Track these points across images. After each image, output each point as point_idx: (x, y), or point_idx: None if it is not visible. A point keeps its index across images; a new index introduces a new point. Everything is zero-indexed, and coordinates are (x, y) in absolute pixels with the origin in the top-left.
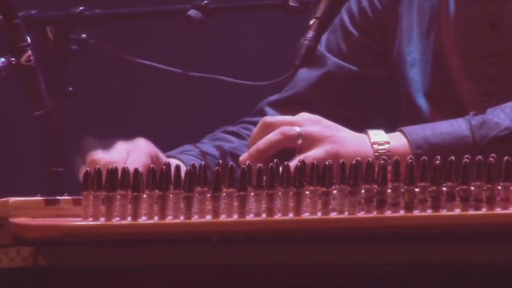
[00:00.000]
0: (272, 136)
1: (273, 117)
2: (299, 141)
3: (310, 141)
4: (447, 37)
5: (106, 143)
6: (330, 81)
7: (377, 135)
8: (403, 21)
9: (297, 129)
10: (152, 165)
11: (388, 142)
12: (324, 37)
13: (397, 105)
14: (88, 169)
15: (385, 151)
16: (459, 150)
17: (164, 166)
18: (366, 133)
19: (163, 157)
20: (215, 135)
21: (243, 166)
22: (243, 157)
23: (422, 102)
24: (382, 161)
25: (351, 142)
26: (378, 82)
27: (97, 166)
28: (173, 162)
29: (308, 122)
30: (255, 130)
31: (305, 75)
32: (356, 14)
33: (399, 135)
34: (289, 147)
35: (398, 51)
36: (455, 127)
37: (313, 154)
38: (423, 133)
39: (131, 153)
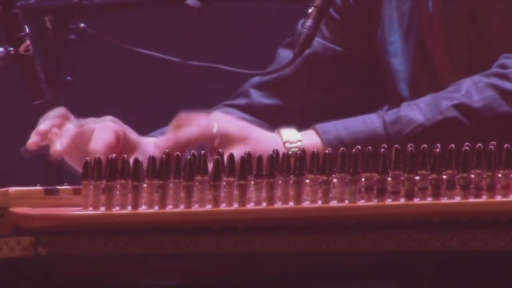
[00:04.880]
0: (191, 132)
1: (189, 113)
2: (216, 140)
3: (226, 140)
4: (429, 28)
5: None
6: (315, 62)
7: (289, 134)
8: (385, 10)
9: (214, 129)
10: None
11: (300, 141)
12: None
13: (383, 87)
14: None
15: (297, 149)
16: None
17: (164, 155)
18: (279, 132)
19: (132, 135)
20: None
21: (243, 155)
22: (160, 145)
23: (405, 92)
24: (382, 149)
25: (265, 142)
26: (363, 64)
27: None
28: (153, 141)
29: (223, 124)
30: (172, 122)
31: (290, 56)
32: (338, 1)
33: (312, 133)
34: (204, 141)
35: (381, 40)
36: (368, 124)
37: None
38: (336, 132)
39: (96, 131)
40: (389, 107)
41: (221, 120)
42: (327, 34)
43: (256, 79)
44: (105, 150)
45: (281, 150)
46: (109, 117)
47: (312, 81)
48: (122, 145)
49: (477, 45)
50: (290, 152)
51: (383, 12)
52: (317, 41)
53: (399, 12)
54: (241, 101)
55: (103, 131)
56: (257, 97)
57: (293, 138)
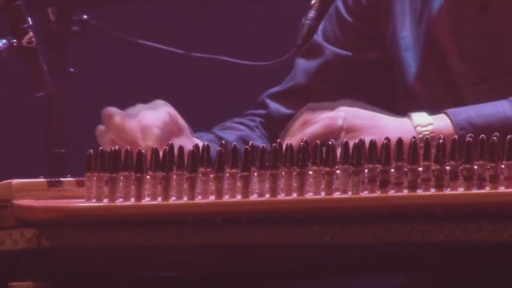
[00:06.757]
0: (316, 128)
1: (313, 114)
2: (342, 134)
3: (352, 132)
4: (440, 20)
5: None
6: (328, 70)
7: (420, 118)
8: (396, 6)
9: (340, 122)
10: (169, 121)
11: (431, 124)
12: (320, 26)
13: (395, 87)
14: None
15: (429, 132)
16: (503, 131)
17: (166, 147)
18: (409, 116)
19: (181, 121)
20: (224, 125)
21: (247, 146)
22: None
23: (416, 85)
24: (385, 141)
25: (394, 129)
26: (374, 66)
27: (111, 122)
28: (198, 142)
29: (348, 116)
30: (294, 125)
31: (304, 66)
32: (350, 1)
33: (443, 116)
34: (330, 136)
35: (392, 36)
36: (498, 108)
37: None
38: (466, 114)
39: (150, 109)
40: None
41: (346, 113)
42: (340, 37)
43: (272, 90)
44: (161, 125)
45: (412, 135)
46: (162, 101)
47: (325, 89)
48: (174, 125)
49: (487, 35)
50: (421, 136)
51: (394, 8)
52: (329, 49)
53: (411, 7)
54: (260, 111)
55: (157, 109)
56: (275, 107)
57: (424, 122)
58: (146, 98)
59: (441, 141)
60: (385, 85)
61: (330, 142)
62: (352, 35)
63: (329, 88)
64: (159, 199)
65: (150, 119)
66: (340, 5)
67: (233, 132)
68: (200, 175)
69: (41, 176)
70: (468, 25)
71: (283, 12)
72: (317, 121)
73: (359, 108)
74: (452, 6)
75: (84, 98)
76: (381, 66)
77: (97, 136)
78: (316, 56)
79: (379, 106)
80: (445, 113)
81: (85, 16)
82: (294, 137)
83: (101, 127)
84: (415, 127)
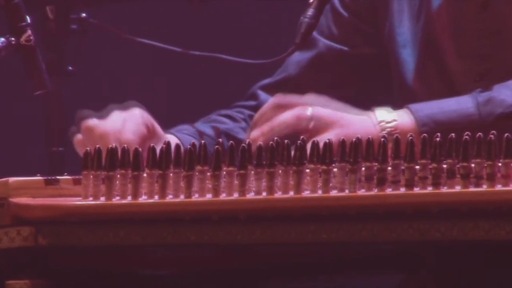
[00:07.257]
0: (286, 116)
1: (284, 99)
2: (311, 124)
3: (320, 124)
4: (439, 18)
5: (102, 115)
6: (321, 63)
7: (384, 114)
8: (394, 2)
9: (309, 112)
10: (148, 134)
11: (395, 120)
12: None
13: (390, 84)
14: (87, 148)
15: (392, 129)
16: (465, 127)
17: (164, 145)
18: (372, 113)
19: (158, 127)
20: (209, 117)
21: (244, 145)
22: (253, 134)
23: (414, 83)
24: (383, 139)
25: (358, 123)
26: (369, 61)
27: (92, 135)
28: (172, 138)
29: (318, 105)
30: (264, 108)
31: (297, 58)
32: None
33: (406, 112)
34: (298, 125)
35: (390, 32)
36: (461, 104)
37: (325, 138)
38: (429, 110)
39: (127, 122)
40: (483, 89)
41: (315, 104)
42: (335, 32)
43: (264, 81)
44: (134, 128)
45: (375, 131)
46: (137, 108)
47: (317, 81)
48: (146, 128)
49: (487, 34)
50: (385, 132)
51: (391, 4)
52: (323, 42)
53: (409, 4)
54: (250, 103)
55: (134, 122)
56: (265, 98)
57: (387, 117)
58: (145, 96)
59: (438, 139)
60: (380, 81)
61: (327, 140)
62: (348, 30)
63: (321, 80)
64: (156, 197)
65: (129, 134)
66: (336, 0)
67: (216, 125)
68: (197, 173)
69: (38, 174)
70: (468, 23)
71: (282, 10)
72: (287, 109)
73: (326, 101)
74: (452, 4)
75: (83, 96)
76: (377, 62)
77: (74, 143)
78: (309, 48)
79: (373, 102)
80: (408, 108)
81: (84, 15)
82: (264, 126)
83: (77, 136)
84: (379, 123)
